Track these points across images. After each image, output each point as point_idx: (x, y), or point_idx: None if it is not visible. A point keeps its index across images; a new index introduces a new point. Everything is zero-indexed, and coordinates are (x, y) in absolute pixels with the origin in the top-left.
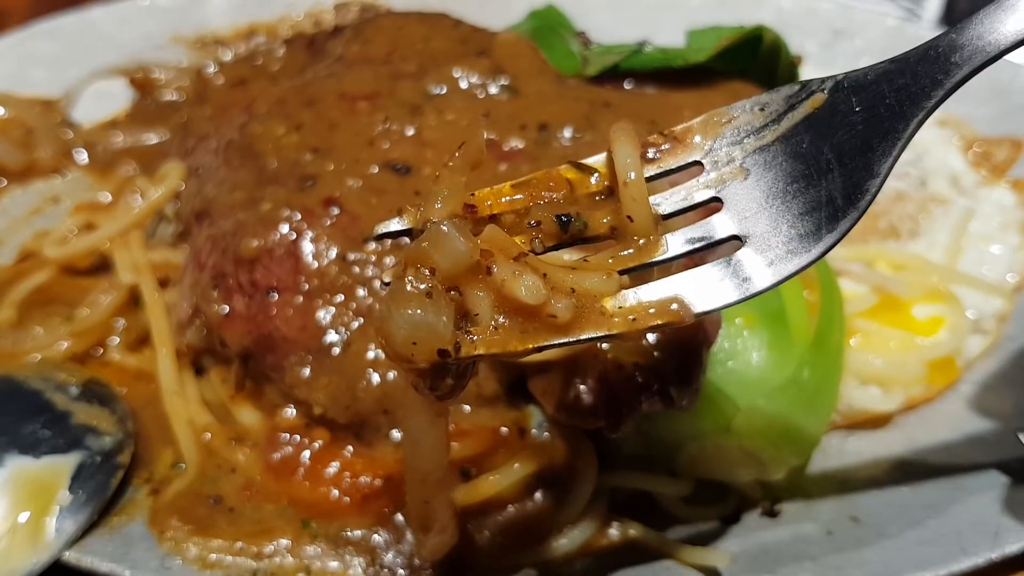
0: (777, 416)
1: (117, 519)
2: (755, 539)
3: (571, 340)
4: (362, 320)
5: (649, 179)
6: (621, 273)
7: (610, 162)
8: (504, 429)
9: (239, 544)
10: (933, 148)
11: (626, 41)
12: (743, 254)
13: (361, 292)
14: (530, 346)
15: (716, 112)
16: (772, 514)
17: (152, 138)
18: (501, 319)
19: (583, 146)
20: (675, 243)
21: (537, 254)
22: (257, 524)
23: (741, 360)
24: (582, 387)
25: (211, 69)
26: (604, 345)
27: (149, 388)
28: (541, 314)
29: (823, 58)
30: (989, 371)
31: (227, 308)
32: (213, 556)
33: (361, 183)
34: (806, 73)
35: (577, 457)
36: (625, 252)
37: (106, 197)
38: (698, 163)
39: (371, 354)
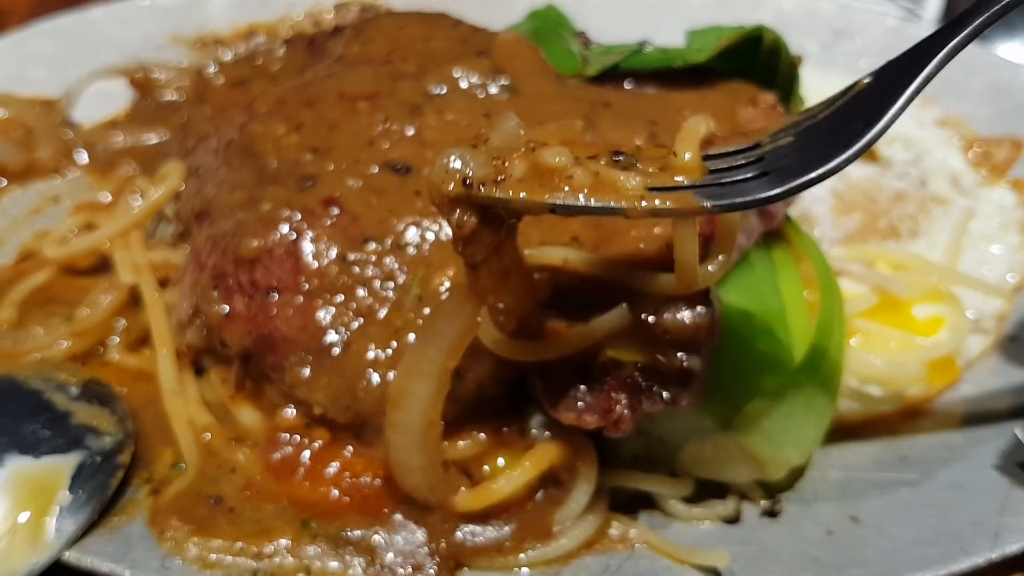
0: (777, 416)
1: (117, 519)
2: (755, 539)
3: (585, 203)
4: (362, 320)
5: (710, 156)
6: (651, 190)
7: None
8: (504, 429)
9: (239, 544)
10: (933, 148)
11: (626, 41)
12: (763, 179)
13: (361, 292)
14: (546, 198)
15: (788, 116)
16: (772, 514)
17: (152, 138)
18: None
19: None
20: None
21: None
22: (257, 524)
23: (741, 360)
24: (582, 387)
25: (211, 69)
26: (605, 345)
27: (149, 388)
28: (562, 175)
29: (823, 58)
30: (989, 371)
31: (227, 308)
32: (213, 556)
33: (361, 183)
34: (806, 73)
35: (577, 457)
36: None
37: (106, 197)
38: (757, 145)
39: (371, 354)
